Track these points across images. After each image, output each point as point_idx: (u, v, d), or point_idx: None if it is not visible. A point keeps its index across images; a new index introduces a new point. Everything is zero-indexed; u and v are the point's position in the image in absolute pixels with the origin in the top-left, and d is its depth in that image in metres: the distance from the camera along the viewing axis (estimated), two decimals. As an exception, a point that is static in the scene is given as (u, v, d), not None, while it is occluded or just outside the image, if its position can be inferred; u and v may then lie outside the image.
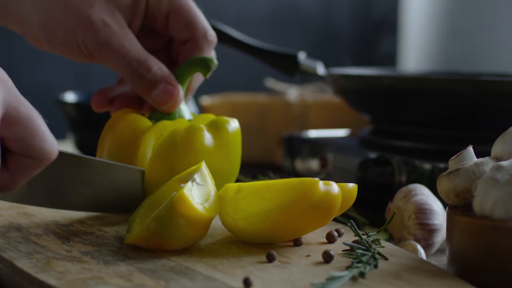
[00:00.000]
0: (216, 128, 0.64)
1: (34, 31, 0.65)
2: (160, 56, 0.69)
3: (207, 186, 0.56)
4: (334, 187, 0.55)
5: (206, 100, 1.10)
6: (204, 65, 0.65)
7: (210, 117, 0.66)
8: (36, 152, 0.49)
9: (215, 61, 0.65)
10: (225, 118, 0.64)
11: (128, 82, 0.64)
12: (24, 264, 0.51)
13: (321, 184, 0.54)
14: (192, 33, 0.66)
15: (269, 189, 0.55)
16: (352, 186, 0.57)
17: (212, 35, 0.67)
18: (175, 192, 0.53)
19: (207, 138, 0.62)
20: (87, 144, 1.05)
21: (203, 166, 0.57)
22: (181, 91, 0.64)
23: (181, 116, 0.66)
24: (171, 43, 0.69)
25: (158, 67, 0.63)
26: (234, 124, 0.65)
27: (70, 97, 1.08)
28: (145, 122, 0.64)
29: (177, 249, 0.54)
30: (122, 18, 0.64)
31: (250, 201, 0.55)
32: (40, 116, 0.49)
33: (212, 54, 0.68)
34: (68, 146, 1.19)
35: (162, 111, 0.65)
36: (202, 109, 1.15)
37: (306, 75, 0.91)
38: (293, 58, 0.91)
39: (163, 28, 0.67)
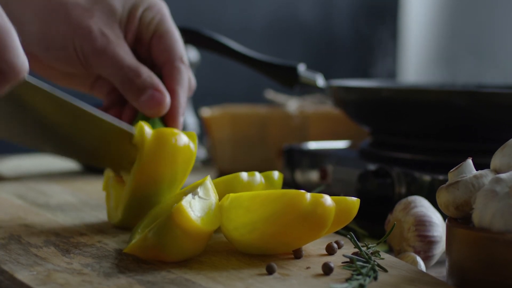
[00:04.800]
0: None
1: (31, 41, 0.67)
2: None
3: (209, 200, 0.56)
4: (326, 199, 0.54)
5: (206, 112, 1.10)
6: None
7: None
8: (7, 66, 0.48)
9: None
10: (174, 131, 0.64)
11: (119, 88, 0.67)
12: (25, 277, 0.51)
13: (307, 196, 0.54)
14: (169, 56, 0.69)
15: (253, 201, 0.55)
16: (352, 200, 0.57)
17: (186, 60, 0.70)
18: (175, 204, 0.54)
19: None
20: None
21: (208, 181, 0.58)
22: (168, 97, 0.66)
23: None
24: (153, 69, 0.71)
25: (148, 74, 0.66)
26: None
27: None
28: None
29: (174, 261, 0.54)
30: (119, 31, 0.67)
31: (238, 212, 0.55)
32: (15, 31, 0.48)
33: (190, 75, 0.70)
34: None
35: (149, 116, 0.66)
36: (202, 121, 1.15)
37: (305, 87, 0.92)
38: (293, 70, 0.91)
39: (145, 49, 0.70)
